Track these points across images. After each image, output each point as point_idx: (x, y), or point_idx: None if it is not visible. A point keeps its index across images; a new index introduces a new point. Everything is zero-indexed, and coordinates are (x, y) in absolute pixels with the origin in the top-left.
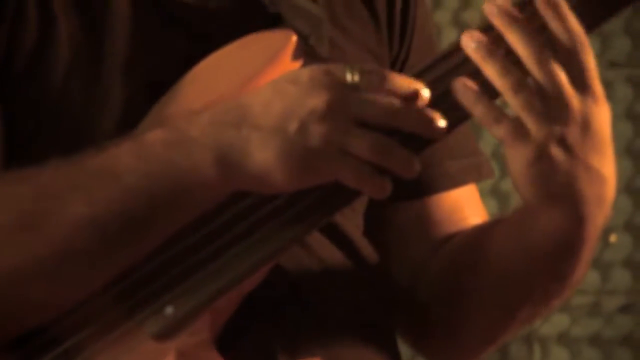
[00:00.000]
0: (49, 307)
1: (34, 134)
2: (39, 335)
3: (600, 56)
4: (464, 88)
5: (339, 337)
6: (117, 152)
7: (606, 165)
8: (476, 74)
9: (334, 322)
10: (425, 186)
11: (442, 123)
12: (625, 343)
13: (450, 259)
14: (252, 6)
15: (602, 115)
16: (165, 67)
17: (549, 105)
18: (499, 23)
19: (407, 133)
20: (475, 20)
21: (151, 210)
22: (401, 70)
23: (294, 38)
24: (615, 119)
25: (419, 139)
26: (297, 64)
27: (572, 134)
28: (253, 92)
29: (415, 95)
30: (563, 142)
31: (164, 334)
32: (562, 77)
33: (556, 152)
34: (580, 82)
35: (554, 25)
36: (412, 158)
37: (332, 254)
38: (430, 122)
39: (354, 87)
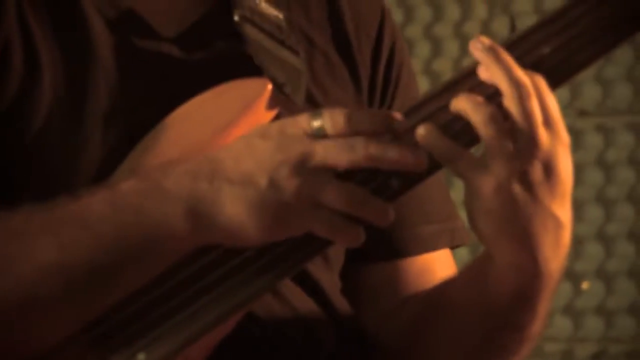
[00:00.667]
0: (17, 353)
1: (11, 177)
2: None
3: (569, 105)
4: (423, 132)
5: None
6: (91, 200)
7: (564, 210)
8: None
9: None
10: (397, 249)
11: (415, 155)
12: None
13: (413, 315)
14: (236, 57)
15: (566, 159)
16: (146, 117)
17: (518, 140)
18: (483, 58)
19: (382, 179)
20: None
21: (120, 260)
22: None
23: (269, 87)
24: (586, 167)
25: (394, 186)
26: (272, 113)
27: (536, 172)
28: (225, 147)
29: (386, 125)
30: (525, 180)
31: None
32: (538, 114)
33: (517, 188)
34: (547, 121)
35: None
36: (386, 207)
37: (305, 303)
38: (404, 153)
39: (321, 135)
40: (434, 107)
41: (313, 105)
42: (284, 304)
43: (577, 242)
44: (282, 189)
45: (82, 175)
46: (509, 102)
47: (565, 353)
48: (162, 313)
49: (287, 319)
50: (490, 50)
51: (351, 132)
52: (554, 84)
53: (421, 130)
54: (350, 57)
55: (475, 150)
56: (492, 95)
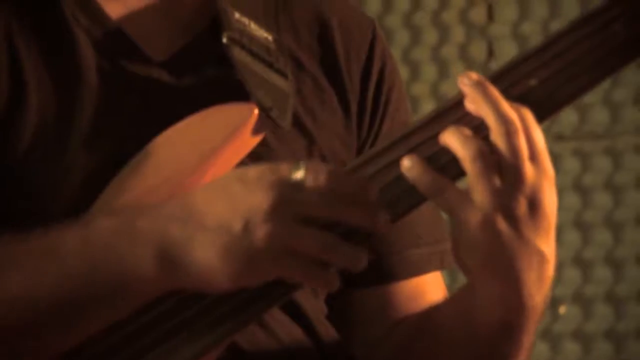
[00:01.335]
0: None
1: None
2: None
3: (547, 130)
4: (408, 164)
5: None
6: (64, 235)
7: (549, 245)
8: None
9: None
10: (386, 273)
11: (384, 217)
12: None
13: (402, 341)
14: (225, 82)
15: (551, 193)
16: (132, 142)
17: (504, 175)
18: (471, 93)
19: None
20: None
21: (87, 298)
22: None
23: (255, 111)
24: (563, 191)
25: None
26: (258, 138)
27: (521, 207)
28: (201, 189)
29: (360, 191)
30: (510, 215)
31: None
32: (524, 150)
33: (502, 224)
34: (533, 155)
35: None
36: (358, 252)
37: (290, 333)
38: (373, 217)
39: (299, 185)
40: (421, 137)
41: (300, 129)
42: (268, 333)
43: (555, 266)
44: (256, 234)
45: (66, 199)
46: (496, 138)
47: None
48: (135, 351)
49: (271, 349)
50: (478, 85)
51: (330, 190)
52: (541, 117)
53: (406, 162)
54: (339, 81)
55: (461, 182)
56: (479, 126)
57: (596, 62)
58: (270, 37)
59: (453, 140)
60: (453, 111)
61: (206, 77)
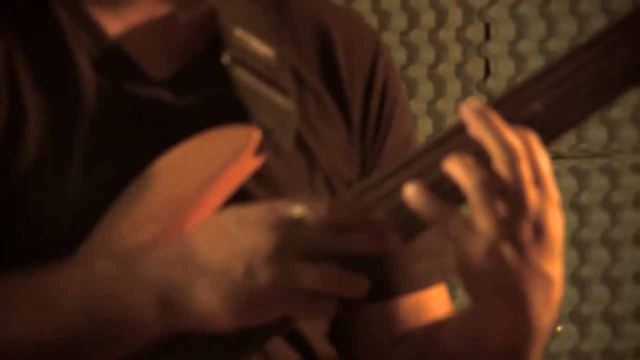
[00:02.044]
0: None
1: None
2: None
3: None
4: (412, 191)
5: None
6: (62, 278)
7: (555, 267)
8: (440, 182)
9: None
10: (389, 289)
11: (393, 237)
12: None
13: (406, 357)
14: (225, 102)
15: (556, 217)
16: (133, 164)
17: (508, 202)
18: (472, 122)
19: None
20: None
21: (86, 343)
22: (371, 172)
23: (256, 134)
24: (560, 209)
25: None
26: (259, 161)
27: (525, 233)
28: (199, 232)
29: (363, 217)
30: (514, 241)
31: None
32: (528, 177)
33: (506, 250)
34: (537, 180)
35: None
36: (359, 281)
37: (287, 356)
38: (381, 240)
39: (299, 223)
40: (424, 163)
41: (302, 148)
42: (265, 358)
43: None
44: (257, 277)
45: (65, 224)
46: (498, 166)
47: None
48: None
49: None
50: (479, 114)
51: (331, 222)
52: (546, 141)
53: (409, 190)
54: (342, 96)
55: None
56: (482, 151)
57: (602, 85)
58: (271, 53)
59: (456, 169)
60: (456, 136)
61: (207, 96)
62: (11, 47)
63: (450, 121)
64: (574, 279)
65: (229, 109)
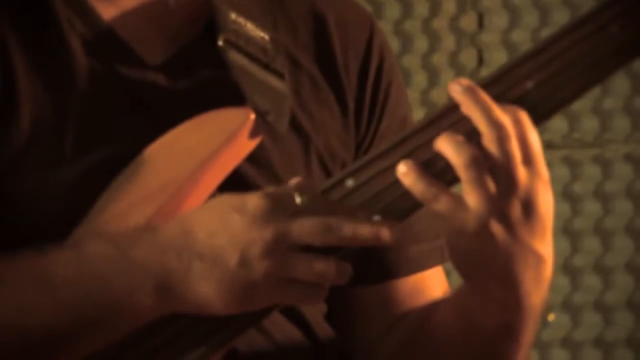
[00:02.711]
0: None
1: None
2: None
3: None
4: (404, 170)
5: None
6: (56, 262)
7: (546, 246)
8: (431, 161)
9: None
10: (387, 271)
11: (386, 233)
12: None
13: (402, 338)
14: (221, 84)
15: (546, 195)
16: (126, 148)
17: (498, 179)
18: (462, 100)
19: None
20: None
21: (79, 327)
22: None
23: (252, 116)
24: (553, 198)
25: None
26: (255, 142)
27: (515, 211)
28: (197, 214)
29: (354, 216)
30: (505, 219)
31: None
32: (517, 154)
33: (497, 228)
34: (527, 158)
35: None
36: (348, 269)
37: (287, 335)
38: (376, 236)
39: (299, 213)
40: (416, 143)
41: (297, 130)
42: (265, 335)
43: None
44: (252, 268)
45: (60, 206)
46: (488, 143)
47: None
48: None
49: (268, 352)
50: (468, 91)
51: (329, 216)
52: (537, 119)
53: (402, 168)
54: (337, 78)
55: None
56: (473, 131)
57: (593, 64)
58: (266, 37)
59: (446, 147)
60: (448, 116)
61: (202, 80)
62: (5, 31)
63: None
64: (566, 267)
65: (224, 92)
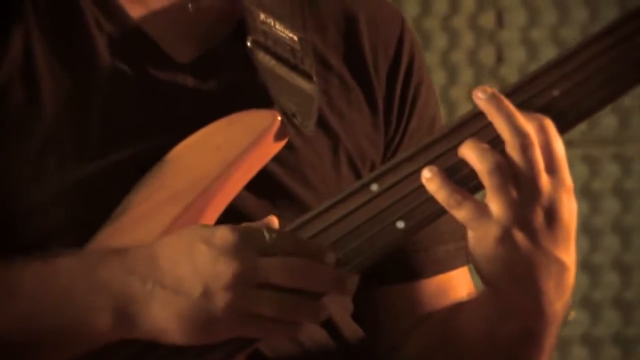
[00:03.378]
0: None
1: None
2: None
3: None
4: (428, 175)
5: None
6: (23, 272)
7: (569, 254)
8: (456, 167)
9: None
10: (413, 271)
11: (351, 283)
12: None
13: (425, 340)
14: (248, 85)
15: (570, 204)
16: (152, 147)
17: (521, 187)
18: (485, 107)
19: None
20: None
21: (35, 341)
22: (394, 155)
23: (278, 118)
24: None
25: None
26: (281, 145)
27: (538, 219)
28: (166, 243)
29: (322, 258)
30: (528, 227)
31: None
32: (540, 163)
33: (519, 236)
34: (551, 167)
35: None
36: (317, 308)
37: (313, 338)
38: (340, 283)
39: (266, 250)
40: (441, 149)
41: (326, 130)
42: (293, 340)
43: None
44: (215, 301)
45: (82, 204)
46: (511, 151)
47: None
48: None
49: (295, 355)
50: (492, 99)
51: (293, 258)
52: (563, 128)
53: (426, 174)
54: (366, 78)
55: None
56: (497, 138)
57: (619, 73)
58: (295, 37)
59: (471, 153)
60: (472, 123)
61: (229, 81)
62: (30, 30)
63: (463, 108)
64: (585, 265)
65: (251, 94)
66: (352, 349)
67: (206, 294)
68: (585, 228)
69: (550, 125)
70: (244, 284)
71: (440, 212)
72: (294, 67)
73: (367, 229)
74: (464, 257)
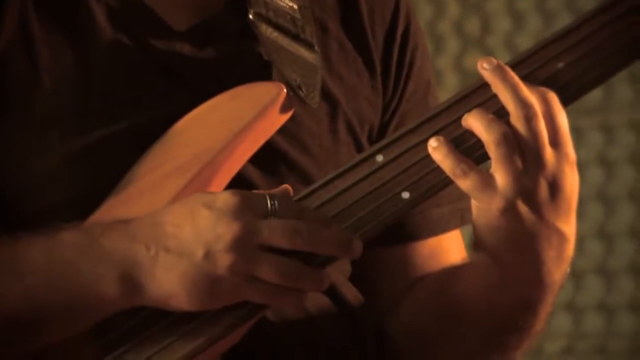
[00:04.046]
0: None
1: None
2: None
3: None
4: (435, 144)
5: None
6: (28, 249)
7: (570, 225)
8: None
9: None
10: (408, 233)
11: (357, 245)
12: None
13: (421, 302)
14: (248, 55)
15: (573, 177)
16: (152, 115)
17: (525, 160)
18: (490, 78)
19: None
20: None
21: (45, 315)
22: (391, 118)
23: (284, 90)
24: (587, 165)
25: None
26: (287, 116)
27: (541, 191)
28: (169, 211)
29: (323, 224)
30: (531, 199)
31: None
32: (544, 134)
33: (523, 208)
34: (555, 139)
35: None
36: (320, 275)
37: (316, 302)
38: (345, 245)
39: (268, 215)
40: (446, 120)
41: (327, 96)
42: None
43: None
44: (218, 263)
45: (87, 175)
46: (515, 122)
47: (567, 349)
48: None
49: (298, 319)
50: (497, 70)
51: (297, 220)
52: (567, 100)
53: (433, 142)
54: (364, 42)
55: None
56: (502, 109)
57: (623, 45)
58: (295, 6)
59: (477, 123)
60: (478, 94)
61: (228, 50)
62: (27, 4)
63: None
64: (600, 233)
65: (250, 62)
66: (354, 314)
67: (208, 255)
68: (600, 196)
69: (554, 99)
70: (245, 245)
71: (446, 182)
72: (295, 37)
73: (372, 200)
74: (458, 219)
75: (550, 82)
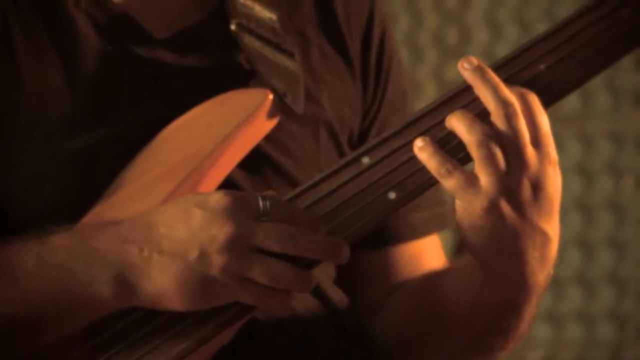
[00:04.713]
0: None
1: None
2: None
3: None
4: (421, 144)
5: None
6: (21, 252)
7: (552, 226)
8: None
9: None
10: (389, 236)
11: (345, 251)
12: None
13: (402, 307)
14: (229, 64)
15: (555, 177)
16: (134, 123)
17: (508, 160)
18: (470, 78)
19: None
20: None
21: (41, 317)
22: (372, 123)
23: (270, 97)
24: (566, 174)
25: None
26: (273, 123)
27: (524, 192)
28: (161, 211)
29: (316, 229)
30: (514, 199)
31: None
32: (525, 134)
33: (506, 207)
34: (537, 140)
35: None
36: (309, 277)
37: (304, 304)
38: (334, 250)
39: (259, 217)
40: (430, 121)
41: (310, 101)
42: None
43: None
44: (211, 264)
45: (70, 183)
46: (496, 120)
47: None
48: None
49: (285, 318)
50: (477, 70)
51: (287, 225)
52: (548, 101)
53: (419, 143)
54: (343, 46)
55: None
56: (485, 111)
57: (604, 47)
58: (274, 17)
59: (459, 124)
60: (461, 96)
61: (210, 57)
62: (8, 12)
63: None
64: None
65: (230, 69)
66: (340, 315)
67: (202, 256)
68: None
69: (535, 100)
70: (238, 246)
71: (431, 182)
72: (277, 47)
73: (359, 200)
74: (439, 224)
75: (531, 83)
